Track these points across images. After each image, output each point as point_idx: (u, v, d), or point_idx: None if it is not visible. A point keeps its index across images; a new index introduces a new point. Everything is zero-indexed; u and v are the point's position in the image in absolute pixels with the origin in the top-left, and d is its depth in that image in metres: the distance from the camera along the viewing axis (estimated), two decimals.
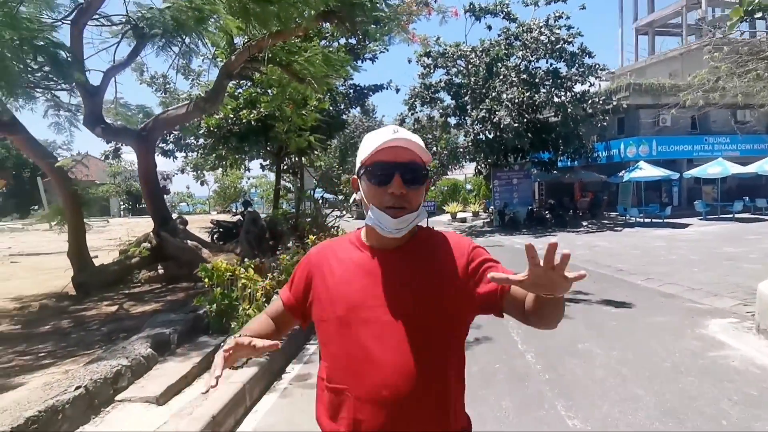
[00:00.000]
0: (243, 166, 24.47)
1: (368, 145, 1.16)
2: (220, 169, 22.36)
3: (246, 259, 7.74)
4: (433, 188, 39.65)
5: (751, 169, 19.13)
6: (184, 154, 14.66)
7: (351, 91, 15.52)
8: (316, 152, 18.29)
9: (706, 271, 8.89)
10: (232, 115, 12.07)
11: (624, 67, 25.77)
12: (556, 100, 18.91)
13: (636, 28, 31.77)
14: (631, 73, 24.78)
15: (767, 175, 20.63)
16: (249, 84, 12.42)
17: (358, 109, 15.93)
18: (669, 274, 8.87)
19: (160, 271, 8.46)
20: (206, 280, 4.41)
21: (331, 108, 13.96)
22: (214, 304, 4.32)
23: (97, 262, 8.77)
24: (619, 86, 21.59)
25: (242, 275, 4.48)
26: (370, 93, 15.37)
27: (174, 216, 9.01)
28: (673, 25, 32.51)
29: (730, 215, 19.63)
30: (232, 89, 12.40)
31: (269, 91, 11.79)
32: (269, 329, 1.32)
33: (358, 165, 1.21)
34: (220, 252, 8.50)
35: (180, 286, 7.88)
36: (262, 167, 22.90)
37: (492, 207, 25.29)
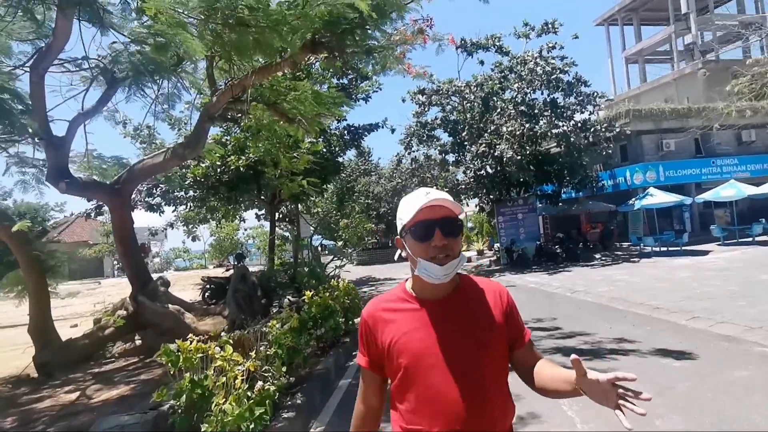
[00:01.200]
0: (237, 217, 23.75)
1: (408, 209, 1.36)
2: (213, 221, 21.59)
3: (235, 323, 6.72)
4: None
5: (764, 189, 18.35)
6: (173, 208, 13.84)
7: (345, 132, 14.91)
8: (312, 198, 17.55)
9: (755, 305, 7.85)
10: (219, 163, 11.32)
11: (618, 95, 25.54)
12: (556, 130, 18.34)
13: (625, 57, 31.94)
14: (627, 100, 24.50)
15: (762, 197, 19.88)
16: (238, 130, 11.77)
17: (354, 150, 15.26)
18: (713, 310, 7.83)
19: (138, 342, 7.41)
20: (170, 366, 3.41)
21: (324, 150, 13.28)
22: (182, 397, 3.32)
23: (79, 331, 7.74)
24: (618, 113, 21.16)
25: (218, 355, 3.49)
26: (365, 133, 14.76)
27: (157, 276, 8.04)
28: (662, 52, 32.70)
29: (749, 238, 18.69)
30: (219, 136, 11.73)
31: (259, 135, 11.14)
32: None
33: (400, 227, 1.41)
34: (206, 315, 7.48)
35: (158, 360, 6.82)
36: (258, 217, 22.16)
37: (497, 244, 24.34)
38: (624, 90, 30.54)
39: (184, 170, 11.80)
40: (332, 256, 15.52)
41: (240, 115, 7.71)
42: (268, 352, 3.95)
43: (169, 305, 7.35)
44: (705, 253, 16.91)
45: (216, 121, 7.73)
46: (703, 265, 14.13)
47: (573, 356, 1.20)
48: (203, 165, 11.24)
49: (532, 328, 7.75)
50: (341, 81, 14.26)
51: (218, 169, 11.45)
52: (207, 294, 13.41)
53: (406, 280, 1.48)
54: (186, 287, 18.20)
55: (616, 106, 22.38)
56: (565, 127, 17.81)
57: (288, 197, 10.42)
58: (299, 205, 19.65)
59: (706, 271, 12.84)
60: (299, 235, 15.55)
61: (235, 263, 14.45)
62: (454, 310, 1.36)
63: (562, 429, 3.83)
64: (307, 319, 4.98)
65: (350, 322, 7.37)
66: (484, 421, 1.28)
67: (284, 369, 4.09)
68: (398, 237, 1.44)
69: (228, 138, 11.75)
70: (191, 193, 13.42)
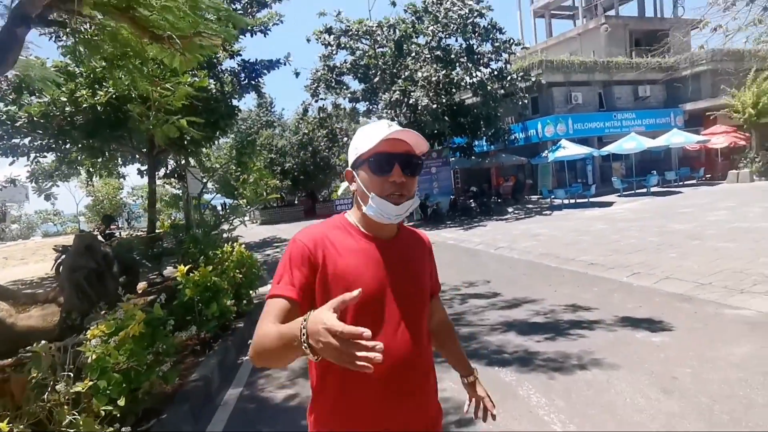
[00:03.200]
0: (113, 173, 20.20)
1: (367, 138, 1.23)
2: (77, 178, 17.98)
3: (70, 315, 4.71)
4: (340, 183, 37.34)
5: (661, 142, 19.14)
6: (11, 159, 10.66)
7: (240, 70, 12.47)
8: (201, 148, 14.98)
9: (686, 257, 7.41)
10: (65, 99, 8.57)
11: (527, 49, 25.24)
12: (472, 79, 17.33)
13: (533, 10, 31.81)
14: (540, 51, 24.25)
15: (673, 148, 21.01)
16: (89, 56, 8.98)
17: (252, 94, 12.91)
18: (649, 264, 7.27)
19: None
20: None
21: (214, 89, 10.88)
22: None
23: None
24: (531, 64, 20.69)
25: None
26: (264, 71, 12.44)
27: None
28: (567, 7, 33.07)
29: (644, 189, 19.57)
30: (64, 64, 8.86)
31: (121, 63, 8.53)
32: None
33: (354, 157, 1.27)
34: (34, 304, 5.31)
35: None
36: (141, 173, 18.86)
37: None
38: (532, 44, 30.51)
39: (9, 107, 8.87)
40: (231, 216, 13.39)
41: (68, 18, 5.32)
42: (73, 389, 2.18)
43: None
44: (609, 204, 17.28)
45: (34, 25, 5.28)
46: (614, 216, 14.20)
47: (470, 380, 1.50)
48: (41, 101, 8.43)
49: (468, 295, 6.62)
50: (232, 4, 11.71)
51: (66, 108, 8.69)
52: (60, 266, 10.77)
53: (344, 212, 1.34)
54: (47, 257, 15.03)
55: (530, 57, 21.97)
56: (481, 75, 16.83)
57: (164, 142, 8.13)
58: (190, 157, 16.95)
59: (619, 222, 12.78)
60: (188, 191, 13.11)
61: (104, 228, 11.86)
62: (399, 252, 1.30)
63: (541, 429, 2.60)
64: (161, 317, 3.21)
65: (243, 302, 5.66)
66: (426, 365, 1.30)
67: (112, 407, 2.37)
68: (348, 169, 1.31)
69: (78, 67, 8.94)
70: (33, 140, 10.38)
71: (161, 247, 9.38)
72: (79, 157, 13.45)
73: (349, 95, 19.57)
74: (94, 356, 2.37)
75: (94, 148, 12.25)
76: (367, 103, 20.02)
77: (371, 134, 1.22)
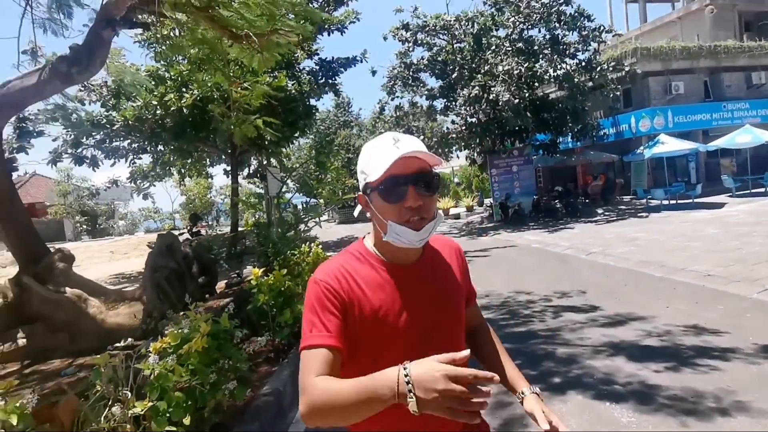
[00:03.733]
0: (202, 173, 21.32)
1: (373, 161, 1.12)
2: (170, 178, 19.16)
3: (151, 316, 4.71)
4: None
5: None
6: (112, 161, 11.47)
7: (318, 69, 12.49)
8: (281, 148, 15.27)
9: None
10: (156, 103, 8.95)
11: (609, 43, 23.19)
12: (557, 72, 16.16)
13: None
14: (634, 38, 22.23)
15: None
16: (179, 60, 9.34)
17: (330, 93, 12.87)
18: None
19: (22, 342, 5.37)
20: None
21: (292, 88, 10.94)
22: None
23: None
24: (623, 52, 18.95)
25: None
26: (341, 69, 12.36)
27: (57, 248, 5.92)
28: None
29: (762, 189, 17.17)
30: (154, 68, 9.28)
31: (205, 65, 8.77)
32: None
33: (362, 182, 1.16)
34: (122, 301, 5.44)
35: (50, 366, 4.85)
36: (226, 173, 19.72)
37: (490, 200, 22.56)
38: (623, 32, 28.14)
39: (108, 112, 9.43)
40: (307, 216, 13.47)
41: (152, 20, 5.40)
42: (131, 411, 1.96)
43: (68, 289, 5.28)
44: (720, 205, 15.32)
45: (119, 27, 5.42)
46: (727, 219, 12.50)
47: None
48: (134, 105, 8.87)
49: (561, 307, 5.92)
50: (309, 4, 11.73)
51: (156, 111, 9.09)
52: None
53: (363, 238, 1.23)
54: (146, 252, 16.11)
55: (622, 45, 20.14)
56: (567, 67, 15.63)
57: (242, 142, 8.22)
58: (271, 157, 17.41)
59: (735, 226, 11.18)
60: (267, 191, 13.39)
61: (190, 226, 12.35)
62: (425, 277, 1.20)
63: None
64: (228, 329, 2.97)
65: None
66: None
67: (176, 428, 2.14)
68: (360, 194, 1.18)
69: (167, 71, 9.32)
70: (131, 143, 11.04)
71: (244, 245, 9.51)
72: (171, 158, 14.23)
73: (426, 93, 19.11)
74: (154, 374, 2.16)
75: (183, 149, 12.89)
76: (445, 100, 19.44)
77: (378, 155, 1.11)
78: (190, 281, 5.44)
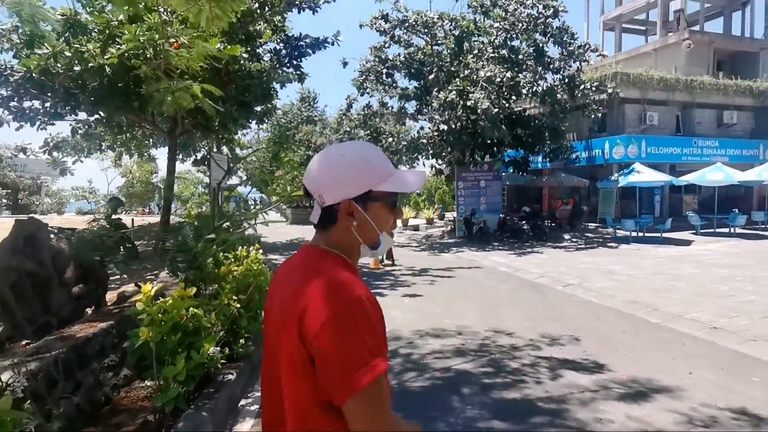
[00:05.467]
0: (143, 154, 19.10)
1: (380, 170, 1.07)
2: (100, 154, 16.88)
3: None
4: None
5: (753, 176, 16.52)
6: (18, 124, 9.37)
7: (282, 46, 10.88)
8: (233, 134, 13.51)
9: None
10: (70, 54, 7.12)
11: (592, 64, 22.83)
12: (539, 85, 15.31)
13: (603, 21, 29.34)
14: (614, 63, 21.90)
15: (752, 185, 18.26)
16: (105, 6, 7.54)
17: (293, 72, 11.26)
18: None
19: None
20: None
21: (248, 63, 9.30)
22: None
23: None
24: (603, 76, 18.43)
25: None
26: (309, 51, 10.83)
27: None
28: (640, 21, 30.48)
29: (727, 229, 16.97)
30: (71, 12, 7.42)
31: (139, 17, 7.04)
32: None
33: (365, 187, 1.05)
34: None
35: None
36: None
37: (453, 214, 21.56)
38: (599, 60, 28.11)
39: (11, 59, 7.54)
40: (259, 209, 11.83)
41: None
42: None
43: None
44: (687, 242, 14.86)
45: None
46: (700, 258, 11.87)
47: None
48: (40, 53, 7.00)
49: (556, 361, 4.64)
50: None
51: (72, 65, 7.25)
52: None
53: (322, 248, 1.09)
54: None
55: (602, 68, 19.70)
56: (552, 81, 14.80)
57: (174, 113, 6.56)
58: (221, 143, 15.61)
59: (712, 266, 10.49)
60: (211, 180, 11.69)
61: (110, 212, 10.42)
62: None
63: None
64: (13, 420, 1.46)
65: (241, 341, 3.90)
66: None
67: None
68: (351, 200, 1.05)
69: (87, 15, 7.50)
70: (41, 104, 9.07)
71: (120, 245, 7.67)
72: (98, 130, 12.20)
73: (398, 93, 17.82)
74: None
75: (111, 121, 10.96)
76: (418, 103, 18.25)
77: (387, 166, 1.09)
78: (59, 290, 3.79)
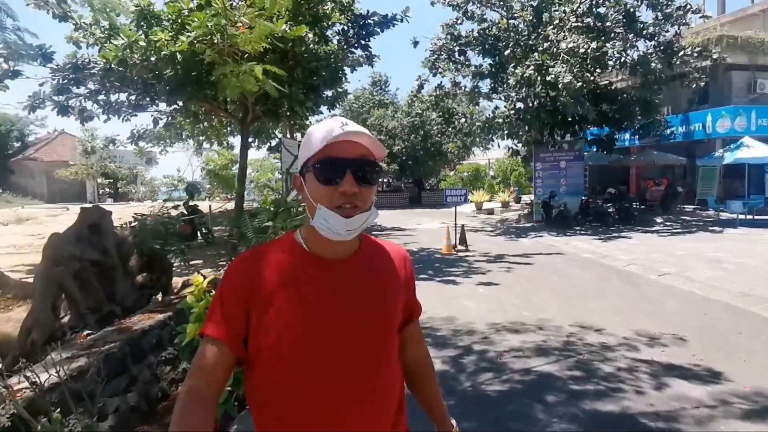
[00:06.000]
0: (223, 142, 19.85)
1: (314, 140, 1.02)
2: (181, 143, 17.73)
3: (28, 339, 3.08)
4: (451, 174, 34.78)
5: None
6: (105, 117, 9.95)
7: (348, 25, 10.60)
8: (304, 119, 13.54)
9: None
10: (144, 44, 7.30)
11: (692, 27, 20.29)
12: (626, 55, 13.81)
13: None
14: (720, 25, 19.39)
15: None
16: None
17: (361, 53, 10.98)
18: None
19: None
20: None
21: (312, 43, 9.10)
22: None
23: None
24: (707, 39, 16.29)
25: None
26: (377, 29, 10.46)
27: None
28: None
29: None
30: (145, 2, 7.60)
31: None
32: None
33: (301, 161, 1.06)
34: (22, 300, 3.84)
35: None
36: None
37: (530, 197, 20.43)
38: (699, 23, 25.12)
39: (80, 49, 7.89)
40: None
41: None
42: None
43: None
44: None
45: None
46: None
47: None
48: (116, 43, 7.23)
49: (659, 365, 3.98)
50: None
51: (147, 54, 7.44)
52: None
53: (296, 229, 1.12)
54: None
55: (704, 32, 17.45)
56: (646, 49, 13.29)
57: (237, 96, 6.50)
58: (293, 130, 15.79)
59: None
60: (282, 166, 11.87)
61: (186, 200, 10.89)
62: (356, 274, 1.07)
63: None
64: None
65: None
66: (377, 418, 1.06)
67: None
68: (297, 174, 1.09)
69: (161, 6, 7.64)
70: (127, 96, 9.52)
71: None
72: (179, 120, 12.73)
73: (472, 71, 16.94)
74: None
75: (187, 109, 11.33)
76: (492, 81, 17.27)
77: (319, 134, 1.01)
78: (123, 279, 3.78)
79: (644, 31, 14.01)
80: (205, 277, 2.96)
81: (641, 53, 13.41)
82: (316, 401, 0.98)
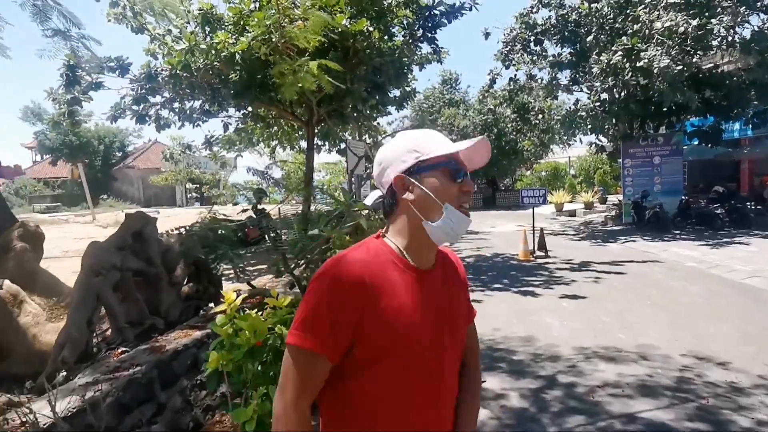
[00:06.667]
0: (295, 146, 20.13)
1: (433, 141, 1.07)
2: (252, 148, 18.08)
3: (59, 357, 2.85)
4: (528, 173, 33.06)
5: None
6: (180, 123, 10.23)
7: (415, 19, 10.05)
8: (370, 120, 13.23)
9: None
10: (205, 47, 7.24)
11: None
12: (737, 35, 11.98)
13: None
14: None
15: None
16: None
17: (428, 47, 10.42)
18: None
19: None
20: None
21: (376, 39, 8.65)
22: None
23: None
24: None
25: None
26: (443, 20, 9.81)
27: (20, 221, 4.35)
28: None
29: None
30: (208, 6, 7.56)
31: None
32: None
33: (412, 161, 1.04)
34: None
35: None
36: (317, 147, 18.22)
37: (619, 197, 18.68)
38: None
39: (156, 60, 8.01)
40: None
41: None
42: None
43: (5, 282, 3.63)
44: None
45: None
46: None
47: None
48: (178, 48, 7.24)
49: None
50: None
51: (209, 57, 7.40)
52: None
53: (379, 236, 1.09)
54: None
55: None
56: (760, 24, 11.46)
57: (289, 96, 6.17)
58: (362, 131, 15.57)
59: None
60: (347, 167, 11.60)
61: (255, 203, 10.87)
62: (441, 286, 1.10)
63: None
64: None
65: None
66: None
67: None
68: (400, 174, 1.05)
69: (225, 11, 7.55)
70: (200, 103, 9.70)
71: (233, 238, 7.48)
72: (249, 125, 12.90)
73: (549, 62, 15.69)
74: None
75: (257, 114, 11.38)
76: (572, 71, 15.92)
77: (436, 137, 1.09)
78: (168, 290, 3.51)
79: (758, 3, 12.09)
80: (239, 294, 2.55)
81: (755, 29, 11.55)
82: (414, 406, 1.01)
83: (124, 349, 2.94)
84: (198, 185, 37.68)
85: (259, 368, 2.22)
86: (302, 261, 3.56)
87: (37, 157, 41.06)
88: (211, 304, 3.95)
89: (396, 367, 0.99)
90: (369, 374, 0.99)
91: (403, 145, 1.06)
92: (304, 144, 21.55)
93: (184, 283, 3.75)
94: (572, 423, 3.09)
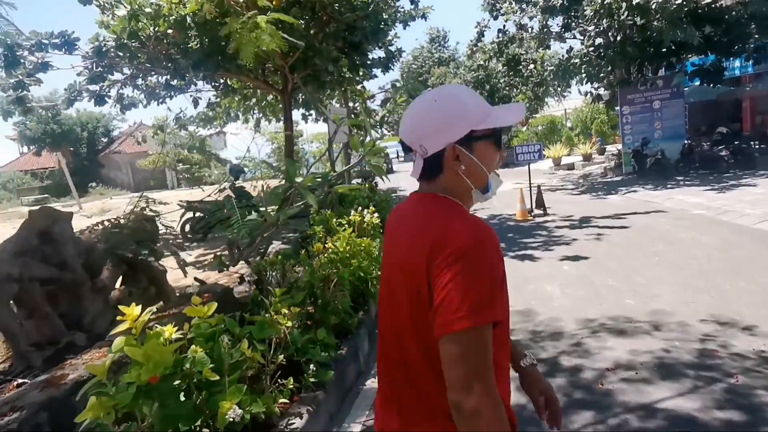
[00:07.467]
0: (278, 118, 19.29)
1: (483, 108, 1.03)
2: (226, 122, 17.26)
3: None
4: (524, 129, 32.19)
5: None
6: (146, 102, 9.47)
7: None
8: (335, 73, 12.40)
9: None
10: (149, 10, 6.46)
11: None
12: None
13: None
14: None
15: None
16: None
17: (409, 5, 9.59)
18: None
19: None
20: None
21: None
22: None
23: None
24: None
25: None
26: None
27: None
28: None
29: None
30: None
31: None
32: None
33: (465, 129, 1.00)
34: None
35: None
36: (304, 117, 17.32)
37: (618, 147, 18.00)
38: None
39: (104, 29, 7.23)
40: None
41: None
42: None
43: None
44: None
45: None
46: None
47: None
48: (120, 14, 6.47)
49: None
50: None
51: (160, 23, 6.64)
52: (187, 225, 9.54)
53: (457, 205, 1.04)
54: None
55: None
56: None
57: (247, 59, 5.46)
58: (343, 96, 14.74)
59: None
60: (329, 137, 10.97)
61: (232, 181, 10.35)
62: None
63: None
64: None
65: (309, 370, 2.65)
66: None
67: None
68: (454, 144, 1.01)
69: None
70: (145, 77, 8.95)
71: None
72: (217, 99, 12.13)
73: (540, 7, 14.68)
74: None
75: (229, 86, 10.63)
76: (565, 17, 14.92)
77: (484, 103, 1.05)
78: (92, 297, 2.95)
79: None
80: (145, 311, 2.01)
81: None
82: (507, 371, 1.08)
83: (21, 381, 2.40)
84: (189, 166, 36.80)
85: (163, 409, 1.68)
86: (252, 250, 3.00)
87: (24, 149, 40.07)
88: (153, 308, 3.42)
89: (505, 327, 1.00)
90: (497, 336, 0.94)
91: (450, 109, 1.01)
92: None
93: (116, 286, 3.20)
94: (579, 422, 2.59)
